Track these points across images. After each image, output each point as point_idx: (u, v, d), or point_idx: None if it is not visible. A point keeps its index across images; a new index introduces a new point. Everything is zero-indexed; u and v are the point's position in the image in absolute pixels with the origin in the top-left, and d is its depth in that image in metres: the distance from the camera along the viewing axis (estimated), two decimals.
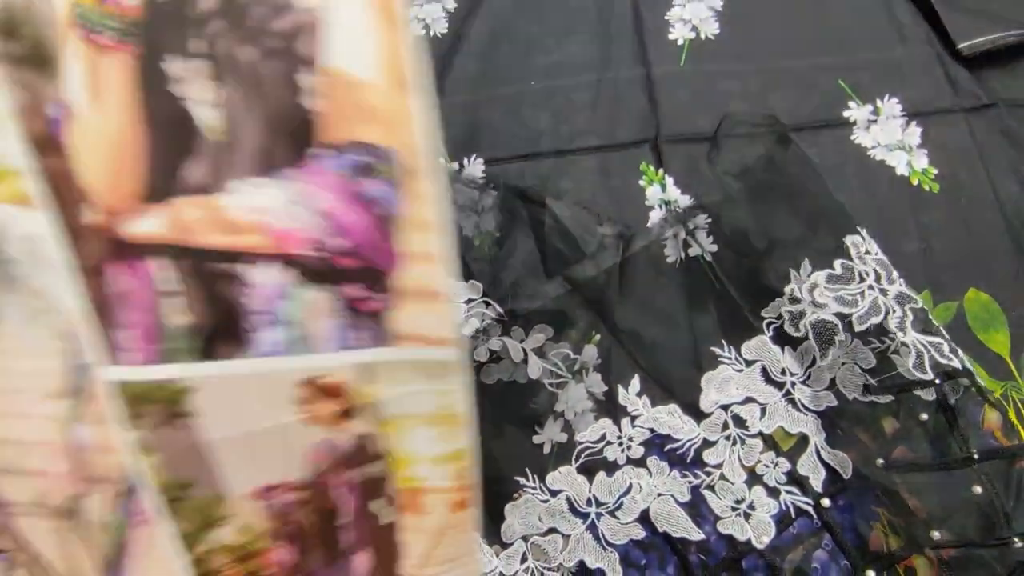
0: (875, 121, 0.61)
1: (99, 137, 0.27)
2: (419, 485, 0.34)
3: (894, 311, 0.49)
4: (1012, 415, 0.49)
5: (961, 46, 0.62)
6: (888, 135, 0.61)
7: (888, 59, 0.64)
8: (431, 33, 0.74)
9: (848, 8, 0.68)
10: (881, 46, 0.65)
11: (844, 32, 0.66)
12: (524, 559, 0.48)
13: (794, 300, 0.52)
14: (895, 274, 0.52)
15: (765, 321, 0.54)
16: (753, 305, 0.54)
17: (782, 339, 0.53)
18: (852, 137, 0.61)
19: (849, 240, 0.53)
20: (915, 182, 0.59)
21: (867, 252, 0.52)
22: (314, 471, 0.33)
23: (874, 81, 0.63)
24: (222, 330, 0.29)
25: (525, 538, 0.49)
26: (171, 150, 0.28)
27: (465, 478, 0.35)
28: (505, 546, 0.49)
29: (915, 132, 0.61)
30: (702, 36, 0.68)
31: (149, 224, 0.28)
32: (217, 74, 0.27)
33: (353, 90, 0.27)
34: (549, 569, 0.48)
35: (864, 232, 0.53)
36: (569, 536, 0.49)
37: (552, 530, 0.49)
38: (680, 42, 0.68)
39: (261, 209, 0.28)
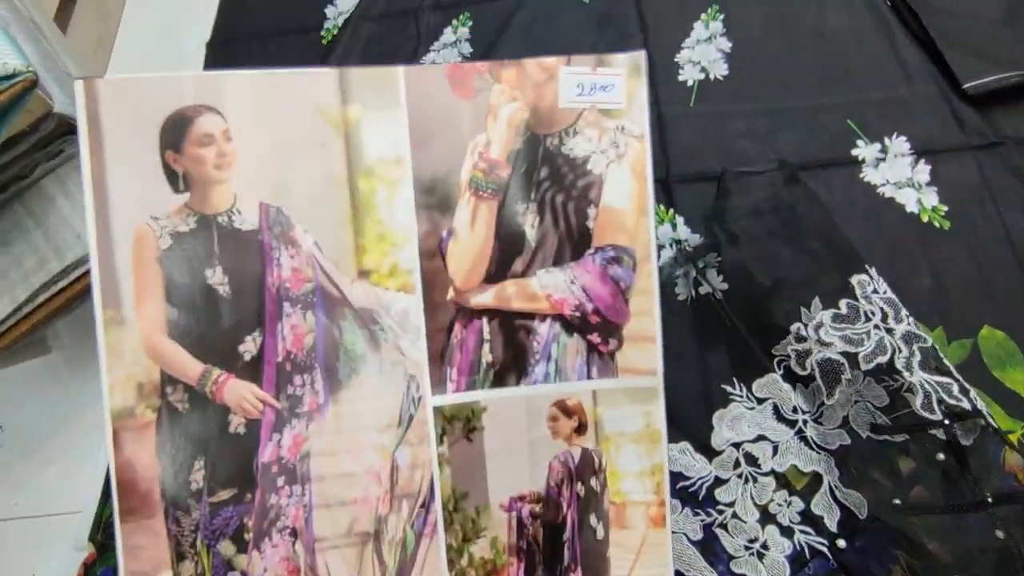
0: (883, 159, 0.62)
1: (467, 248, 0.47)
2: (624, 499, 0.47)
3: (900, 350, 0.49)
4: None
5: (966, 86, 0.62)
6: (897, 173, 0.61)
7: (894, 97, 0.65)
8: None
9: (853, 48, 0.69)
10: (887, 85, 0.66)
11: (850, 71, 0.68)
12: None
13: (800, 339, 0.52)
14: (904, 312, 0.52)
15: (776, 359, 0.54)
16: (763, 343, 0.54)
17: (792, 377, 0.53)
18: (861, 175, 0.62)
19: (856, 279, 0.53)
20: (925, 219, 0.59)
21: (874, 291, 0.53)
22: (550, 482, 0.47)
23: (881, 119, 0.64)
24: (512, 364, 0.47)
25: None
26: (506, 253, 0.47)
27: (661, 491, 0.47)
28: None
29: (924, 170, 0.61)
30: (711, 77, 0.70)
31: (484, 297, 0.47)
32: (540, 210, 0.48)
33: (615, 215, 0.47)
34: None
35: (872, 271, 0.54)
36: None
37: None
38: (690, 83, 0.70)
39: (550, 286, 0.47)
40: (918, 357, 0.49)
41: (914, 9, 0.68)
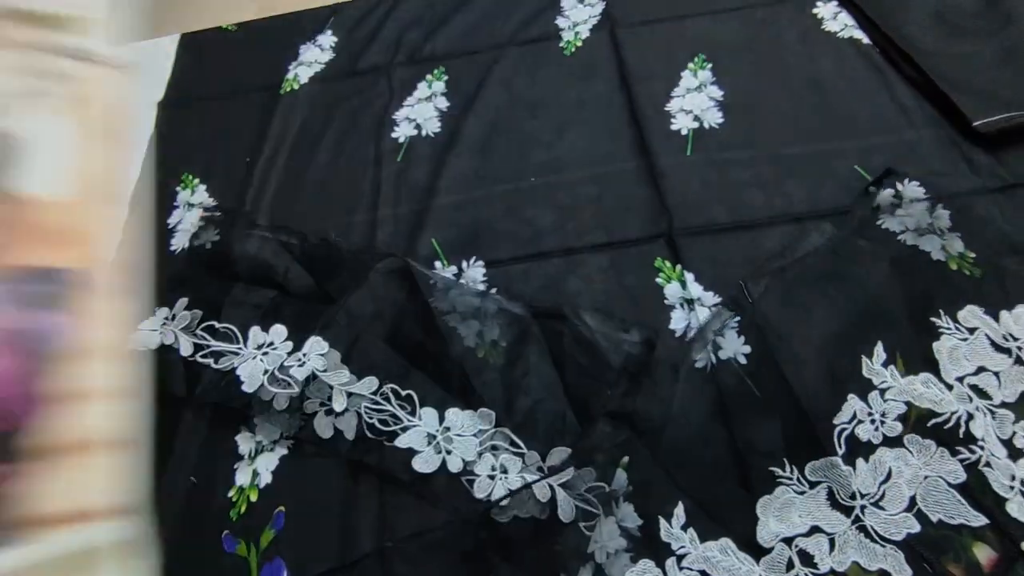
0: (899, 205, 0.58)
1: None
2: None
3: (983, 414, 0.43)
4: None
5: (976, 124, 0.59)
6: (915, 219, 0.57)
7: (899, 142, 0.62)
8: (423, 133, 0.71)
9: (849, 93, 0.66)
10: (890, 129, 0.63)
11: (849, 117, 0.65)
12: None
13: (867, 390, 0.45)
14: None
15: (836, 429, 0.46)
16: (816, 412, 0.47)
17: (853, 450, 0.45)
18: (879, 222, 0.57)
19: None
20: (954, 267, 0.54)
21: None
22: None
23: (889, 164, 0.60)
24: None
25: None
26: None
27: None
28: None
29: (944, 216, 0.57)
30: (706, 125, 0.66)
31: None
32: None
33: (36, 211, 0.24)
34: None
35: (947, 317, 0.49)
36: None
37: None
38: (684, 132, 0.66)
39: None
40: (997, 423, 0.43)
41: (907, 53, 0.66)
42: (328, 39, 0.84)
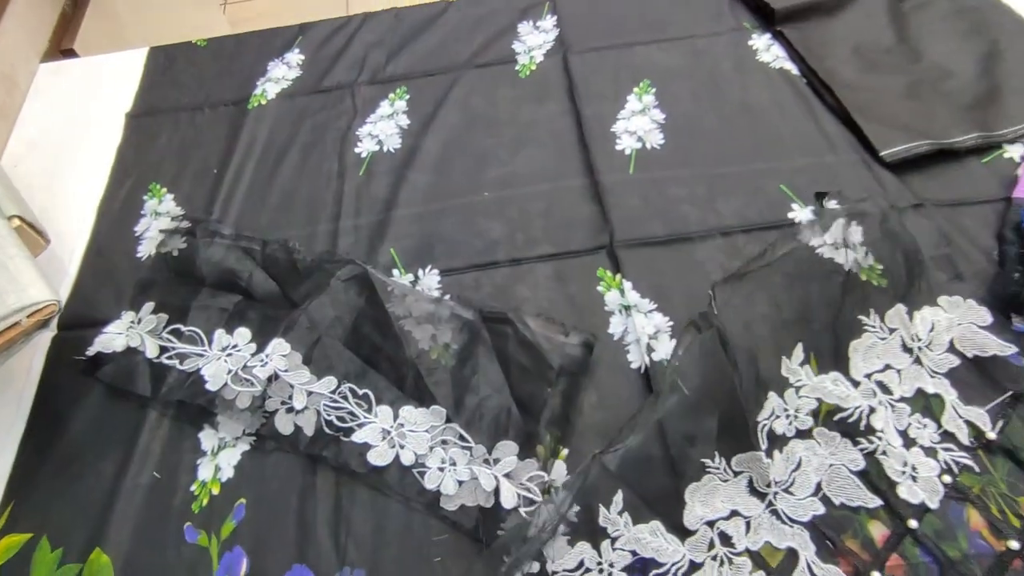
0: (818, 221, 0.64)
1: None
2: None
3: (884, 407, 0.49)
4: (995, 511, 0.47)
5: (883, 153, 0.66)
6: (832, 234, 0.63)
7: (821, 164, 0.68)
8: (384, 149, 0.75)
9: (778, 119, 0.73)
10: (813, 153, 0.69)
11: (778, 141, 0.71)
12: None
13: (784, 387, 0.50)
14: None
15: (760, 425, 0.51)
16: (746, 409, 0.52)
17: (771, 442, 0.51)
18: (799, 237, 0.63)
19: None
20: (864, 277, 0.60)
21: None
22: None
23: (811, 184, 0.66)
24: None
25: None
26: None
27: None
28: None
29: (857, 231, 0.63)
30: (648, 146, 0.71)
31: None
32: None
33: None
34: None
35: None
36: None
37: None
38: (627, 152, 0.71)
39: None
40: (893, 415, 0.48)
41: (828, 85, 0.73)
42: (295, 56, 0.88)
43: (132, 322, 0.61)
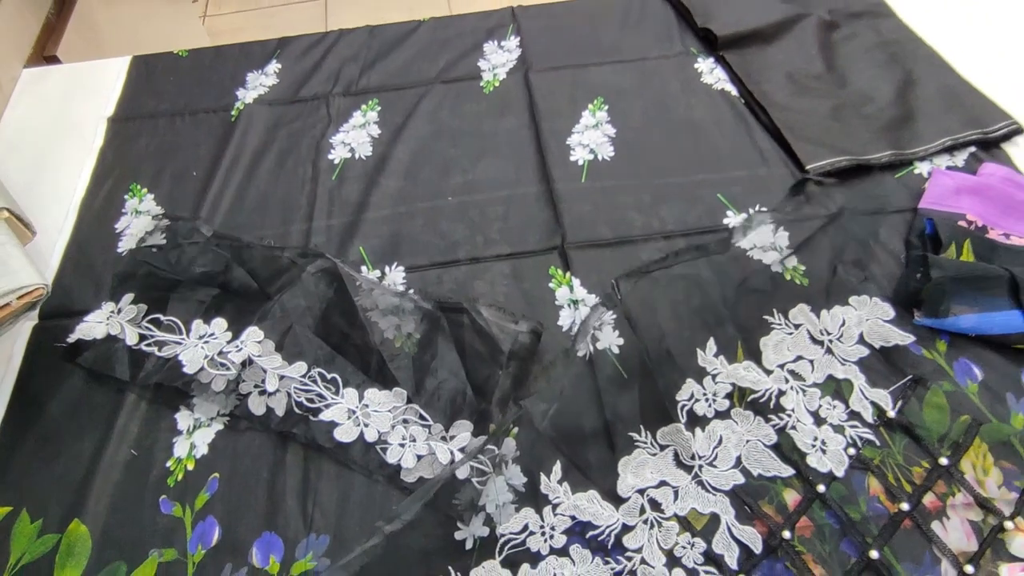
0: (750, 227, 0.71)
1: None
2: None
3: (795, 392, 0.55)
4: (891, 479, 0.53)
5: (808, 167, 0.74)
6: (761, 238, 0.70)
7: (754, 176, 0.75)
8: (356, 156, 0.80)
9: (718, 136, 0.80)
10: (747, 166, 0.76)
11: (717, 155, 0.78)
12: None
13: (702, 375, 0.56)
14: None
15: (679, 405, 0.57)
16: (668, 391, 0.58)
17: (692, 422, 0.57)
18: (732, 240, 0.70)
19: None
20: (788, 277, 0.67)
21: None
22: None
23: (745, 194, 0.73)
24: None
25: None
26: None
27: None
28: None
29: (783, 236, 0.70)
30: (599, 158, 0.78)
31: None
32: None
33: None
34: None
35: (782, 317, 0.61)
36: None
37: None
38: (580, 163, 0.77)
39: None
40: (805, 399, 0.55)
41: (763, 105, 0.80)
42: (274, 67, 0.93)
43: (112, 312, 0.65)
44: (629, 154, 0.78)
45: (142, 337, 0.63)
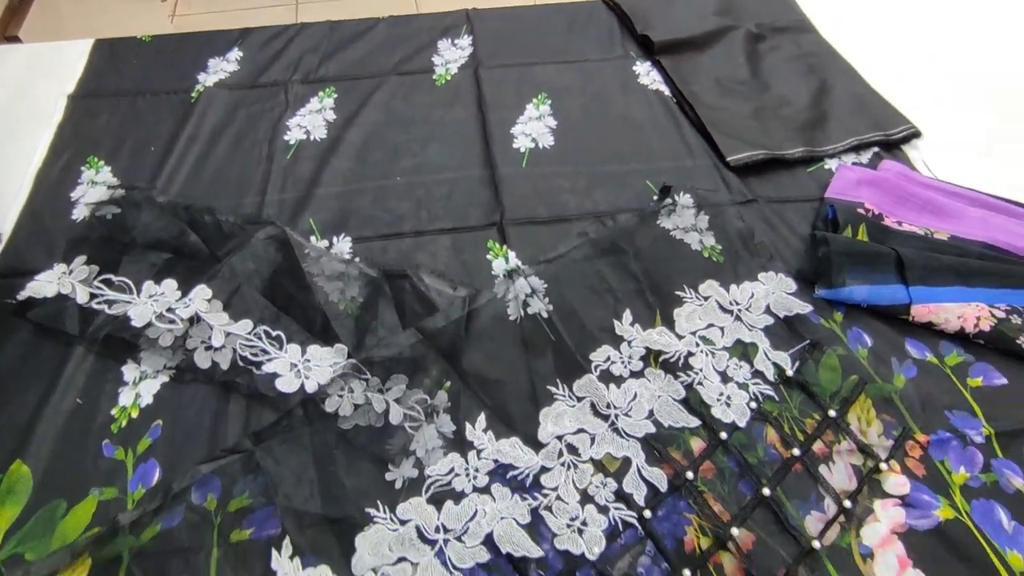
0: (674, 210, 0.77)
1: None
2: None
3: (705, 355, 0.62)
4: (786, 429, 0.59)
5: (729, 159, 0.81)
6: (684, 220, 0.76)
7: (680, 167, 0.82)
8: (311, 138, 0.85)
9: (651, 131, 0.86)
10: (675, 157, 0.83)
11: (649, 148, 0.84)
12: None
13: (619, 342, 0.62)
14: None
15: (593, 364, 0.63)
16: (583, 351, 0.63)
17: (608, 379, 0.62)
18: (658, 222, 0.76)
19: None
20: (706, 255, 0.73)
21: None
22: None
23: (672, 181, 0.79)
24: None
25: (375, 569, 0.51)
26: None
27: None
28: None
29: (704, 219, 0.76)
30: (540, 146, 0.83)
31: None
32: None
33: None
34: None
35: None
36: (418, 564, 0.51)
37: (402, 559, 0.51)
38: (523, 150, 0.83)
39: None
40: (714, 360, 0.61)
41: (692, 104, 0.88)
42: (235, 54, 0.96)
43: (64, 272, 0.67)
44: (568, 144, 0.84)
45: (92, 296, 0.65)
